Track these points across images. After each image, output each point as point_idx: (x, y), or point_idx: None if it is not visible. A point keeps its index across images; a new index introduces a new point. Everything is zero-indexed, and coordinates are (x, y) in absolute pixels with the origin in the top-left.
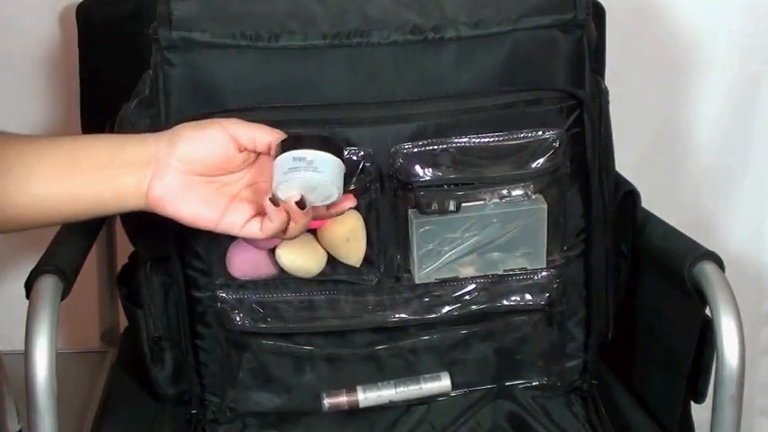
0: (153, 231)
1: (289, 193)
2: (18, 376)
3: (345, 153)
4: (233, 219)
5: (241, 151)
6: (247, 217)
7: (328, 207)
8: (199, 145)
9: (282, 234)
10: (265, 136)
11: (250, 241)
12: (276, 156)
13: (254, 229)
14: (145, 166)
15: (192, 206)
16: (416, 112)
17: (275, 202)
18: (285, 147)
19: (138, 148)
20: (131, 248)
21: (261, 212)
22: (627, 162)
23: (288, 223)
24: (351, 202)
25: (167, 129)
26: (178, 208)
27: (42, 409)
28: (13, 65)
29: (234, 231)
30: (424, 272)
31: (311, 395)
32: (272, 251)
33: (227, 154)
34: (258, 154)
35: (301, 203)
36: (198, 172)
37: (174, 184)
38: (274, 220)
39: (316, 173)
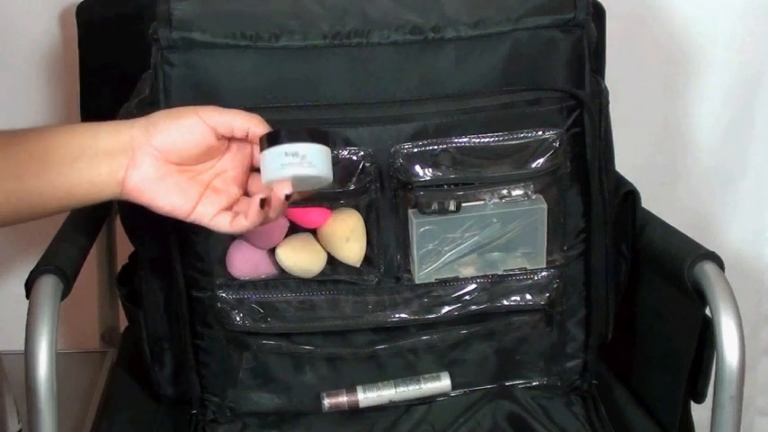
0: (153, 231)
1: (282, 188)
2: (18, 376)
3: (345, 152)
4: (204, 209)
5: (219, 139)
6: (217, 209)
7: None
8: (175, 134)
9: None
10: (243, 122)
11: (250, 241)
12: (263, 148)
13: (224, 222)
14: (119, 154)
15: (169, 196)
16: (416, 112)
17: (263, 203)
18: (273, 140)
19: (112, 137)
20: (131, 248)
21: (230, 205)
22: (627, 162)
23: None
24: None
25: None
26: (155, 198)
27: (42, 409)
28: (13, 65)
29: (203, 222)
30: (424, 272)
31: (311, 395)
32: (272, 251)
33: (204, 143)
34: (229, 141)
35: (289, 196)
36: (174, 161)
37: (151, 173)
38: (250, 220)
39: (311, 167)
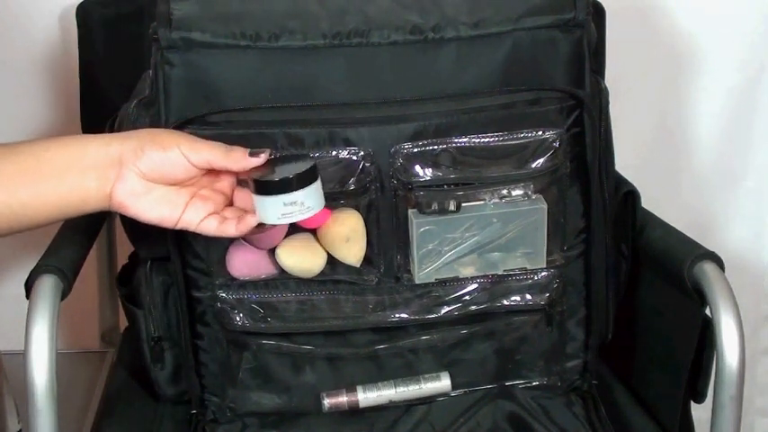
0: (153, 231)
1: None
2: (18, 376)
3: (345, 152)
4: (190, 216)
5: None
6: (203, 215)
7: None
8: (159, 164)
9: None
10: (222, 162)
11: (250, 241)
12: (255, 191)
13: (211, 227)
14: (107, 168)
15: (155, 208)
16: (416, 112)
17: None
18: (266, 189)
19: (102, 151)
20: (131, 248)
21: (217, 210)
22: (627, 162)
23: None
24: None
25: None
26: (141, 211)
27: (42, 409)
28: (13, 65)
29: (191, 228)
30: (423, 272)
31: (311, 395)
32: (272, 251)
33: (187, 173)
34: None
35: None
36: (159, 182)
37: (137, 188)
38: (239, 232)
39: (310, 211)
